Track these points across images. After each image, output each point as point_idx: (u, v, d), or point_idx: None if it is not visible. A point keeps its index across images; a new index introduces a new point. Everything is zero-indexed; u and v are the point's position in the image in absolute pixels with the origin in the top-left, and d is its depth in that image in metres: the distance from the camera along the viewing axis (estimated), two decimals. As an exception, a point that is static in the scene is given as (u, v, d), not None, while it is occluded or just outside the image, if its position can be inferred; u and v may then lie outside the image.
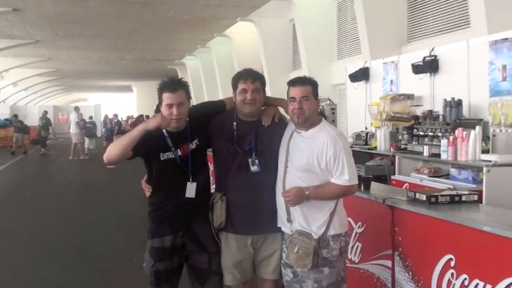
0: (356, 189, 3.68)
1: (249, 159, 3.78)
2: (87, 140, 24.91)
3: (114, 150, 3.69)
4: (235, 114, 3.88)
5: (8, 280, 6.37)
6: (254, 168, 3.78)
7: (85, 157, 23.06)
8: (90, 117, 28.48)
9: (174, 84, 3.74)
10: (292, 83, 3.70)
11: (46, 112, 27.92)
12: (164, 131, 3.76)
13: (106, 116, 27.19)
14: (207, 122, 3.90)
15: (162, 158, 3.75)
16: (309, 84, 3.68)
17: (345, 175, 3.50)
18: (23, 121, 28.20)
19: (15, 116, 29.17)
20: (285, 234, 3.72)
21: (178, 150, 3.76)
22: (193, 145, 3.81)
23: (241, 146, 3.81)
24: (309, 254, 3.45)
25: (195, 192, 3.79)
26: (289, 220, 3.62)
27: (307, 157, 3.56)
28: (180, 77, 3.98)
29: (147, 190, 3.92)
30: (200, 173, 3.86)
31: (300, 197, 3.54)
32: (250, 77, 3.80)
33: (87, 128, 25.01)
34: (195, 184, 3.80)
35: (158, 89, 3.77)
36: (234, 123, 3.85)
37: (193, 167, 3.80)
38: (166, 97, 3.69)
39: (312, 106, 3.64)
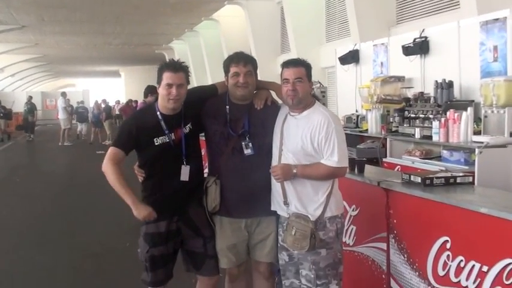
0: (345, 171, 3.66)
1: (243, 143, 3.76)
2: (79, 125, 24.83)
3: (109, 179, 3.72)
4: (228, 97, 3.84)
5: (1, 268, 6.33)
6: (248, 152, 3.76)
7: (71, 143, 22.79)
8: (82, 102, 28.32)
9: (177, 65, 3.73)
10: (286, 64, 3.67)
11: (31, 97, 27.65)
12: (158, 113, 3.74)
13: (96, 102, 26.99)
14: (200, 106, 3.87)
15: (156, 143, 3.72)
16: (302, 66, 3.65)
17: (334, 156, 3.48)
18: (5, 107, 27.90)
19: None
20: (281, 217, 3.71)
21: (172, 134, 3.74)
22: (186, 129, 3.79)
23: (235, 130, 3.78)
24: (306, 237, 3.44)
25: (188, 176, 3.77)
26: (285, 203, 3.61)
27: (301, 138, 3.55)
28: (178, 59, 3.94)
29: (140, 175, 3.89)
30: (194, 157, 3.85)
31: (288, 172, 3.54)
32: (242, 60, 3.76)
33: (79, 113, 24.93)
34: (188, 167, 3.78)
35: (159, 68, 3.73)
36: (227, 106, 3.82)
37: (186, 151, 3.78)
38: (167, 76, 3.66)
39: (306, 88, 3.61)
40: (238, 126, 3.79)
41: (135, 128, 3.74)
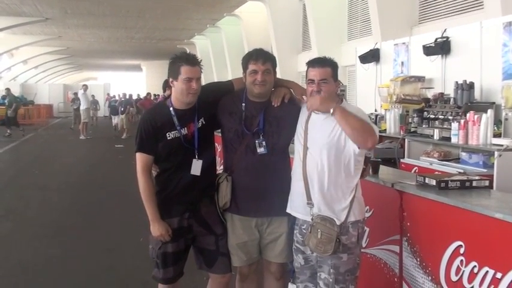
0: (375, 143, 3.39)
1: (256, 141, 3.72)
2: (113, 118, 24.89)
3: (140, 187, 3.75)
4: (245, 94, 3.80)
5: (14, 258, 6.38)
6: (261, 150, 3.72)
7: (89, 137, 22.75)
8: (114, 96, 28.28)
9: (194, 59, 3.70)
10: (312, 64, 3.56)
11: (9, 90, 25.81)
12: (171, 109, 3.72)
13: (124, 95, 27.21)
14: (214, 102, 3.83)
15: (168, 138, 3.71)
16: (328, 65, 3.53)
17: (372, 125, 3.39)
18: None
19: None
20: (298, 219, 3.61)
21: (185, 128, 3.72)
22: (199, 124, 3.76)
23: (249, 127, 3.74)
24: (332, 240, 3.34)
25: (200, 170, 3.75)
26: (309, 204, 3.48)
27: (330, 130, 3.41)
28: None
29: (154, 170, 3.87)
30: (206, 152, 3.82)
31: (327, 101, 3.38)
32: (261, 58, 3.69)
33: (112, 106, 24.87)
34: (200, 162, 3.76)
35: (173, 62, 3.69)
36: (243, 104, 3.78)
37: (199, 145, 3.76)
38: (186, 70, 3.62)
39: (331, 89, 3.50)
40: (254, 124, 3.75)
41: (151, 127, 3.72)
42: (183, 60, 3.65)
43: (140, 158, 3.73)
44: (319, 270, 3.51)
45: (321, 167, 3.44)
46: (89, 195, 10.45)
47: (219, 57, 26.19)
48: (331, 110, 3.36)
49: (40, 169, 14.20)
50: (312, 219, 3.45)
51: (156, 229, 3.71)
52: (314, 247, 3.41)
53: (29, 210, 9.08)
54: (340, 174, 3.44)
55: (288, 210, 3.67)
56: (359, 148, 3.37)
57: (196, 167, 3.76)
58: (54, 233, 7.56)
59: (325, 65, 3.53)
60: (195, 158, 3.75)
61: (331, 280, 3.46)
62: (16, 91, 37.33)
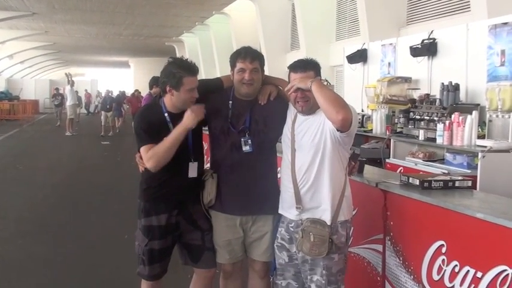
0: (346, 117, 3.18)
1: (242, 139, 3.71)
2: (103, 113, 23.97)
3: (162, 155, 3.60)
4: (232, 92, 3.79)
5: (-3, 254, 6.34)
6: (246, 149, 3.71)
7: (75, 133, 22.54)
8: (110, 92, 27.89)
9: (195, 68, 3.68)
10: (293, 68, 3.49)
11: None
12: (166, 115, 3.70)
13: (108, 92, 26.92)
14: (203, 100, 3.81)
15: None
16: (311, 69, 3.46)
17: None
18: None
19: None
20: (284, 217, 3.60)
21: None
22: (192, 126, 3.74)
23: (235, 125, 3.74)
24: (325, 241, 3.34)
25: (197, 172, 3.77)
26: (298, 208, 3.46)
27: (316, 132, 3.40)
28: (186, 58, 3.89)
29: (142, 164, 3.81)
30: (199, 153, 3.85)
31: (307, 77, 3.36)
32: (249, 57, 3.67)
33: (103, 103, 24.42)
34: (196, 164, 3.77)
35: (172, 70, 3.63)
36: (230, 102, 3.77)
37: (193, 147, 3.77)
38: (190, 81, 3.61)
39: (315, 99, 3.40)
40: (240, 122, 3.74)
41: (146, 125, 3.69)
42: (185, 70, 3.62)
43: (145, 150, 3.66)
44: (310, 272, 3.49)
45: (309, 168, 3.43)
46: (74, 192, 10.40)
47: (208, 55, 26.14)
48: (309, 83, 3.31)
49: (25, 165, 14.09)
50: (302, 223, 3.44)
51: (192, 118, 3.59)
52: (308, 251, 3.39)
53: (12, 207, 9.02)
54: (328, 175, 3.42)
55: (280, 211, 3.65)
56: (337, 129, 3.27)
57: (193, 169, 3.77)
58: (38, 229, 7.52)
59: (308, 68, 3.47)
60: (191, 161, 3.76)
61: (323, 282, 3.45)
62: (1, 86, 37.07)
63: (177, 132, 3.61)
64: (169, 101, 3.71)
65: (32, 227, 7.63)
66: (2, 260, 6.19)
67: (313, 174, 3.43)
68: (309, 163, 3.44)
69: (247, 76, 3.65)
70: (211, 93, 3.85)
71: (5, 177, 12.17)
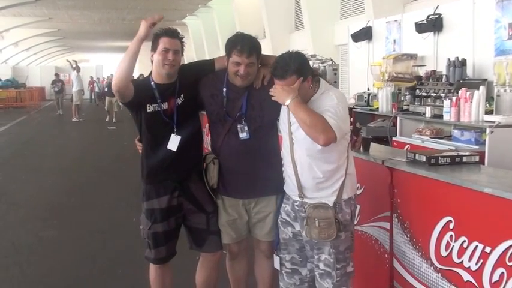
0: (328, 141, 3.18)
1: (238, 126, 3.67)
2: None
3: (120, 70, 3.59)
4: (226, 78, 3.71)
5: (7, 240, 6.38)
6: (243, 135, 3.67)
7: (81, 119, 22.51)
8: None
9: (174, 32, 3.73)
10: (275, 76, 3.35)
11: None
12: (152, 83, 3.72)
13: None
14: (195, 80, 3.79)
15: (148, 110, 3.70)
16: (292, 74, 3.28)
17: (331, 120, 3.20)
18: None
19: None
20: (290, 196, 3.58)
21: (166, 103, 3.71)
22: (179, 100, 3.74)
23: (231, 112, 3.69)
24: (331, 224, 3.33)
25: (177, 146, 3.72)
26: (300, 196, 3.45)
27: None
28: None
29: (140, 147, 3.88)
30: (187, 129, 3.78)
31: (284, 96, 3.24)
32: (246, 51, 3.54)
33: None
34: (179, 138, 3.73)
35: (155, 36, 3.70)
36: (225, 89, 3.71)
37: (178, 122, 3.73)
38: (165, 41, 3.64)
39: (304, 92, 3.34)
40: (236, 107, 3.69)
41: (134, 87, 3.66)
42: (163, 33, 3.68)
43: None
44: (318, 252, 3.47)
45: (308, 152, 3.40)
46: (82, 176, 10.43)
47: (211, 38, 26.05)
48: (287, 102, 3.24)
49: (33, 151, 14.17)
50: (305, 211, 3.42)
51: (144, 26, 3.61)
52: (317, 236, 3.38)
53: (22, 192, 9.06)
54: (328, 157, 3.39)
55: (285, 189, 3.63)
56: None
57: (173, 142, 3.73)
58: (47, 214, 7.56)
59: (288, 74, 3.29)
60: (173, 133, 3.74)
61: (331, 260, 3.44)
62: (7, 74, 37.06)
63: (132, 43, 3.65)
64: (154, 69, 3.74)
65: (41, 212, 7.68)
66: (12, 244, 6.23)
67: (314, 158, 3.40)
68: (307, 148, 3.39)
69: (242, 70, 3.57)
70: (203, 74, 3.82)
71: (14, 164, 12.24)
